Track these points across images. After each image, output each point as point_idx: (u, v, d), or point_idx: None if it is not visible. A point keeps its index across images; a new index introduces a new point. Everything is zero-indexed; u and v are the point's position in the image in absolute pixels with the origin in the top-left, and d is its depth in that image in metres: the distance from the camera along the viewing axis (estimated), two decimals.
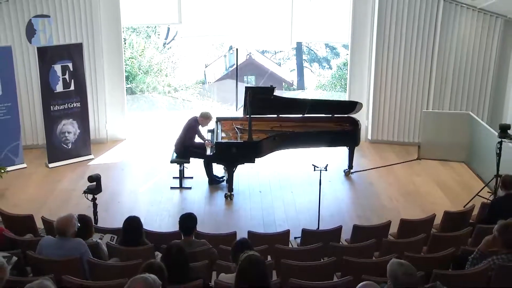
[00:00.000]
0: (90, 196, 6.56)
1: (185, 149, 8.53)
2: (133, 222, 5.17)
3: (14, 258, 4.61)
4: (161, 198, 8.29)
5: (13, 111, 9.14)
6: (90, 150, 9.87)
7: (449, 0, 9.95)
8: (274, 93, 8.46)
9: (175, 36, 23.44)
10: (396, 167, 9.58)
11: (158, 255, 4.97)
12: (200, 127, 8.70)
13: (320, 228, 6.96)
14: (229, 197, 8.27)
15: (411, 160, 9.86)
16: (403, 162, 9.78)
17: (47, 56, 9.07)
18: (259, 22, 11.09)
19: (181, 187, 8.61)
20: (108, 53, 10.24)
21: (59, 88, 9.27)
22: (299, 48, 25.56)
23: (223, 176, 8.85)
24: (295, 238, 6.64)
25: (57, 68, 9.17)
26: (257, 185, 8.84)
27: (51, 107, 9.24)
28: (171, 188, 8.61)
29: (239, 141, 8.39)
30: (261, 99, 8.36)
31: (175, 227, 5.46)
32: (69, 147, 9.57)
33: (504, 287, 4.37)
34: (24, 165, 9.28)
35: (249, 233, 5.94)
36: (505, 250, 4.46)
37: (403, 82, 10.47)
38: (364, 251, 5.38)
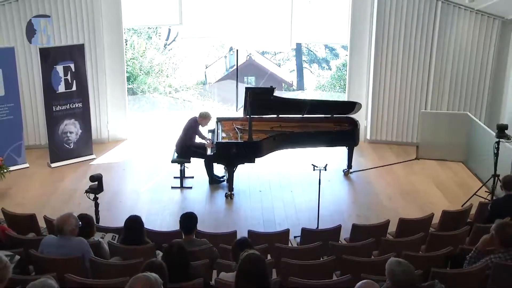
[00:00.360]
0: (91, 196, 6.60)
1: (186, 149, 8.58)
2: (134, 221, 5.19)
3: (17, 257, 4.62)
4: (162, 197, 8.34)
5: (16, 111, 9.18)
6: (92, 150, 9.92)
7: (447, 1, 10.00)
8: (274, 94, 8.50)
9: (176, 37, 23.48)
10: (394, 167, 9.63)
11: (159, 254, 4.99)
12: (200, 127, 8.74)
13: (319, 227, 7.00)
14: (229, 196, 8.33)
15: (409, 160, 9.90)
16: (402, 162, 9.83)
17: (50, 57, 9.12)
18: (259, 23, 11.11)
19: (182, 186, 8.66)
20: (110, 54, 10.30)
21: (61, 88, 9.32)
22: (298, 49, 25.58)
23: (224, 176, 8.90)
24: (295, 237, 6.68)
25: (59, 69, 9.22)
26: (257, 185, 8.89)
27: (53, 107, 9.30)
28: (172, 187, 8.66)
29: (239, 141, 8.43)
30: (261, 99, 8.39)
31: (176, 226, 5.50)
32: (71, 147, 9.62)
33: (501, 285, 4.40)
34: (27, 165, 9.32)
35: (249, 232, 5.98)
36: (502, 249, 4.49)
37: (401, 82, 10.52)
38: (363, 250, 5.40)
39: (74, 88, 9.45)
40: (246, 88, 8.48)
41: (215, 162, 8.65)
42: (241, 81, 22.55)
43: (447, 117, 9.95)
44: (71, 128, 9.56)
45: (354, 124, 9.19)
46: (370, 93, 10.71)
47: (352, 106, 9.20)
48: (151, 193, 8.51)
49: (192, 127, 8.65)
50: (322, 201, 7.43)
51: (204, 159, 8.66)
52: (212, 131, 9.07)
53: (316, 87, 24.71)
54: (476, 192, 8.03)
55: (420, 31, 10.21)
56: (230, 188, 8.33)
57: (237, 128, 8.95)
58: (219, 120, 9.16)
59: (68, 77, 9.34)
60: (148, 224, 6.18)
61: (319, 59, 27.07)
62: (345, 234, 6.30)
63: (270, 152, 8.49)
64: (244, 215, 7.88)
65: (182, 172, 8.68)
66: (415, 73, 10.44)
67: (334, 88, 22.08)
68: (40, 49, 9.16)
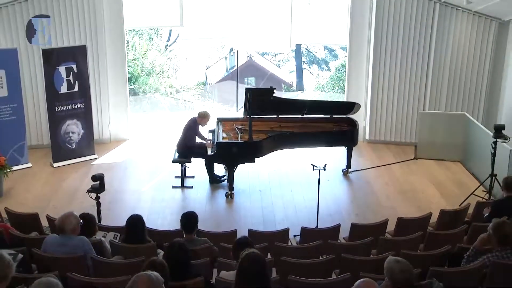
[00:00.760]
0: (93, 195, 6.65)
1: (187, 149, 8.64)
2: (136, 221, 5.22)
3: (20, 256, 4.63)
4: (163, 197, 8.40)
5: (19, 111, 9.23)
6: (94, 150, 9.97)
7: (445, 3, 10.05)
8: (274, 94, 8.55)
9: (176, 38, 23.48)
10: (393, 167, 9.68)
11: (161, 252, 5.03)
12: (200, 127, 8.78)
13: (318, 226, 7.04)
14: (229, 196, 8.38)
15: (408, 160, 9.95)
16: (400, 162, 9.88)
17: (52, 58, 9.18)
18: (259, 24, 11.15)
19: (182, 186, 8.71)
20: (112, 55, 10.34)
21: (64, 89, 9.38)
22: (298, 50, 25.58)
23: (224, 176, 8.95)
24: (295, 236, 6.73)
25: (62, 69, 9.28)
26: (257, 184, 8.94)
27: (56, 107, 9.35)
28: (173, 187, 8.71)
29: (239, 141, 8.49)
30: (261, 100, 8.45)
31: (177, 225, 5.55)
32: (73, 147, 9.67)
33: (499, 283, 4.44)
34: (29, 165, 9.37)
35: (249, 231, 6.02)
36: (499, 247, 4.51)
37: (400, 83, 10.57)
38: (362, 249, 5.43)
39: (76, 88, 9.51)
40: (246, 88, 8.55)
41: (215, 162, 8.70)
42: (241, 81, 22.56)
43: (445, 117, 9.99)
44: (73, 128, 9.62)
45: (353, 124, 9.24)
46: (369, 93, 10.76)
47: (351, 106, 9.25)
48: (152, 192, 8.56)
49: (191, 128, 8.70)
50: (321, 200, 7.47)
51: (204, 159, 8.71)
52: (213, 131, 9.12)
53: (315, 87, 24.73)
54: (474, 191, 8.10)
55: (418, 32, 10.27)
56: (231, 187, 8.39)
57: (237, 128, 9.00)
58: (220, 120, 9.21)
59: (71, 77, 9.39)
60: (149, 223, 6.24)
61: (319, 60, 27.08)
62: (344, 233, 6.34)
63: (270, 152, 8.54)
64: (244, 214, 7.93)
65: (183, 171, 8.73)
66: (413, 74, 10.49)
67: (333, 89, 22.11)
68: (42, 50, 9.23)
